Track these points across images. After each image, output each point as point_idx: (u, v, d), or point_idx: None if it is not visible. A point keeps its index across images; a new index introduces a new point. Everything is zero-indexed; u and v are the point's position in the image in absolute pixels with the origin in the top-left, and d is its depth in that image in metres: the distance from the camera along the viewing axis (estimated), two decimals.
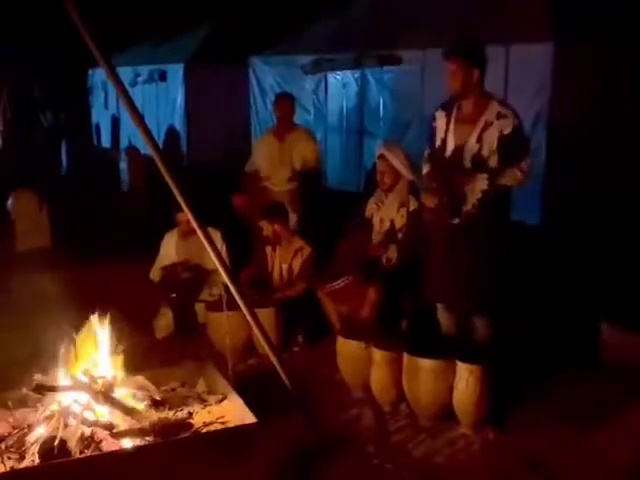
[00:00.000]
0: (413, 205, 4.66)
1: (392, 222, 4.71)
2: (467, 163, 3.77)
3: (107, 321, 3.40)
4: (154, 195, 5.70)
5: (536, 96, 6.87)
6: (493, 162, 3.73)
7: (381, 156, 4.80)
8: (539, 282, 5.29)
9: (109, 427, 3.08)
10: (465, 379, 3.56)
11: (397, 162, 4.70)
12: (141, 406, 3.28)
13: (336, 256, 4.85)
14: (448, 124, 3.86)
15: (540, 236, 6.39)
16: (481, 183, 3.70)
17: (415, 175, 4.73)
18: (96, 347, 3.38)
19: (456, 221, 3.80)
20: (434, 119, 3.97)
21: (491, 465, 3.39)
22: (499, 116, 3.72)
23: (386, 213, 4.76)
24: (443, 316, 4.08)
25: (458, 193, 3.74)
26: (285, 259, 5.15)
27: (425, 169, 4.03)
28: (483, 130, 3.73)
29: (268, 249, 5.20)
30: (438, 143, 3.91)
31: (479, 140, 3.74)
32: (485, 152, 3.73)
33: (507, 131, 3.70)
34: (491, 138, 3.72)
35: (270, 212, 5.18)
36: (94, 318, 3.38)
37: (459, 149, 3.80)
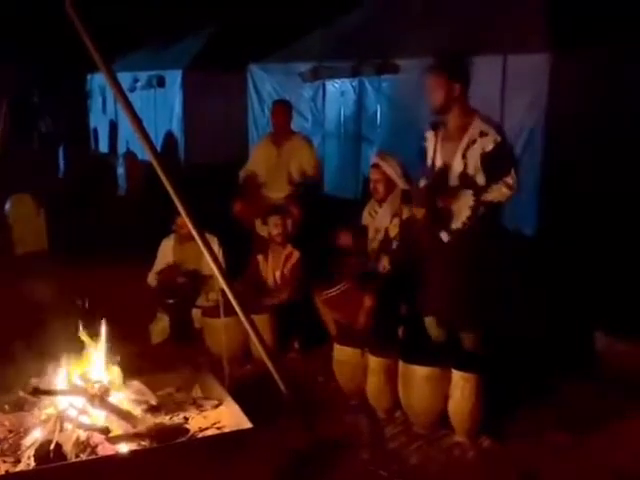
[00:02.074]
0: (406, 214, 4.68)
1: (386, 231, 4.73)
2: (454, 181, 3.79)
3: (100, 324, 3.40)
4: (152, 200, 5.71)
5: (533, 106, 6.89)
6: (480, 180, 3.73)
7: (375, 165, 4.83)
8: (535, 290, 5.31)
9: (105, 431, 3.08)
10: (460, 387, 3.57)
11: (391, 171, 4.72)
12: (137, 411, 3.28)
13: (333, 263, 4.87)
14: (436, 143, 3.88)
15: (536, 245, 6.42)
16: (467, 199, 3.71)
17: (409, 184, 4.75)
18: (91, 352, 3.38)
19: (447, 239, 3.80)
20: (425, 139, 3.99)
21: (486, 473, 3.40)
22: (481, 134, 3.72)
23: (380, 223, 4.78)
24: (432, 328, 4.08)
25: (445, 211, 3.75)
26: (277, 265, 5.18)
27: (422, 183, 4.01)
28: (467, 148, 3.75)
29: (260, 257, 5.24)
30: (429, 162, 3.94)
31: (463, 158, 3.76)
32: (470, 170, 3.74)
33: (489, 149, 3.69)
34: (475, 156, 3.73)
35: (276, 211, 5.24)
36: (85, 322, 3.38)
37: (446, 168, 3.82)
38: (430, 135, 3.95)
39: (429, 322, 4.08)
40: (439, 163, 3.85)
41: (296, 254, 5.15)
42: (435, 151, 3.87)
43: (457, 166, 3.78)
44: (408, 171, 4.81)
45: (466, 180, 3.75)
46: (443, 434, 3.68)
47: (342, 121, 9.61)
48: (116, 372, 3.38)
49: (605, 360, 4.35)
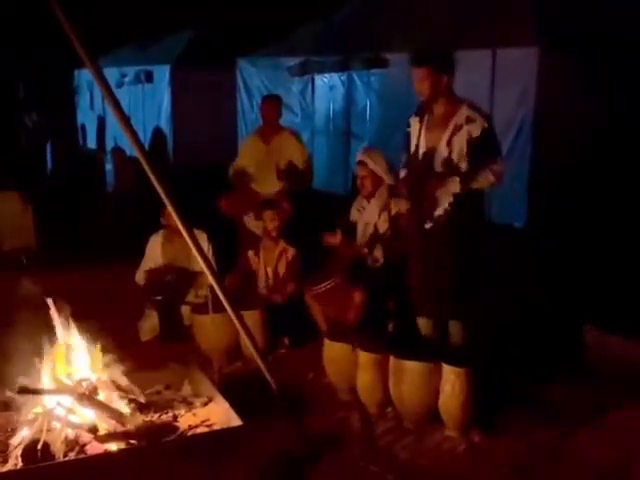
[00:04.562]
0: (395, 209, 4.68)
1: (375, 226, 4.72)
2: (438, 167, 3.80)
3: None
4: (141, 196, 5.69)
5: (522, 99, 6.91)
6: (464, 166, 3.76)
7: (361, 162, 4.82)
8: (524, 283, 5.32)
9: (93, 430, 3.06)
10: (451, 382, 3.57)
11: (377, 167, 4.72)
12: (126, 409, 3.25)
13: (323, 258, 4.85)
14: (420, 129, 3.89)
15: (526, 238, 6.44)
16: (453, 186, 3.73)
17: (395, 179, 4.75)
18: (77, 350, 3.35)
19: (428, 225, 3.83)
20: (408, 125, 4.00)
21: (476, 468, 3.40)
22: (468, 120, 3.75)
23: (369, 218, 4.77)
24: (423, 325, 4.09)
25: (430, 197, 3.76)
26: (270, 262, 5.15)
27: (401, 174, 4.08)
28: (453, 134, 3.77)
29: (251, 253, 5.21)
30: (412, 149, 3.94)
31: (449, 144, 3.77)
32: (455, 156, 3.77)
33: (475, 134, 3.72)
34: (460, 142, 3.75)
35: (269, 204, 5.20)
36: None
37: (430, 154, 3.83)
38: (414, 120, 3.96)
39: (420, 320, 4.08)
40: (423, 150, 3.87)
41: (292, 251, 5.12)
42: (419, 138, 3.88)
43: (442, 152, 3.79)
44: (394, 165, 4.81)
45: (450, 167, 3.77)
46: (434, 429, 3.68)
47: (331, 116, 9.61)
48: (104, 369, 3.35)
49: (595, 354, 4.35)
